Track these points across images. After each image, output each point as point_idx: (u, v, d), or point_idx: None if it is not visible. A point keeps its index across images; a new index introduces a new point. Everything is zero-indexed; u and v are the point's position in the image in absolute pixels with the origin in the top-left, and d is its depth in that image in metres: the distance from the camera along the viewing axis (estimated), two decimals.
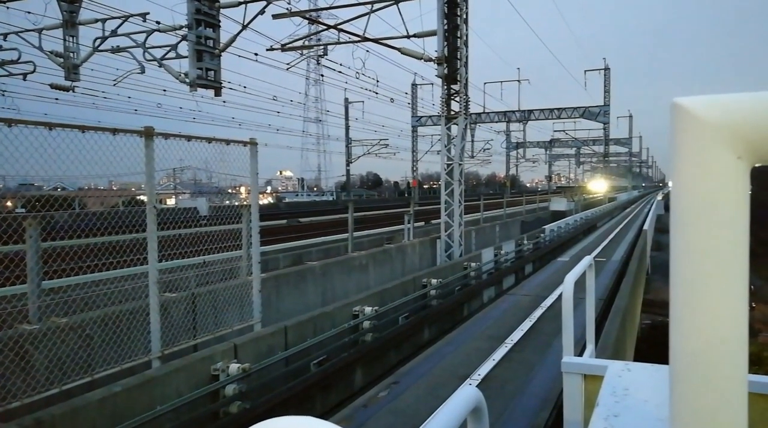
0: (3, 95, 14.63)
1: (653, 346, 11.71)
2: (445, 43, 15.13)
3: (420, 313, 11.14)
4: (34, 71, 14.24)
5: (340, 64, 20.02)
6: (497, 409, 6.06)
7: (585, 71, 43.61)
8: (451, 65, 15.28)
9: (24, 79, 14.38)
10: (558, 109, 37.18)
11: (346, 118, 43.29)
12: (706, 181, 0.67)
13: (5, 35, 14.14)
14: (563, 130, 53.00)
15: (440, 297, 12.19)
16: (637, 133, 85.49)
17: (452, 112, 15.81)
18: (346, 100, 42.34)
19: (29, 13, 13.50)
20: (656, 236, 31.67)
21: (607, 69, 42.19)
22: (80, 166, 5.61)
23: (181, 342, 6.74)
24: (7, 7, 13.24)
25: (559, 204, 32.71)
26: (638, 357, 9.68)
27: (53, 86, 14.02)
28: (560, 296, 3.04)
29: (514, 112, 39.31)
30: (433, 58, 15.29)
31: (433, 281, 12.08)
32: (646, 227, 22.93)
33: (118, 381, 5.61)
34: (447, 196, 15.96)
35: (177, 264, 8.47)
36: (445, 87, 15.73)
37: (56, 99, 15.58)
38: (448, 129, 15.98)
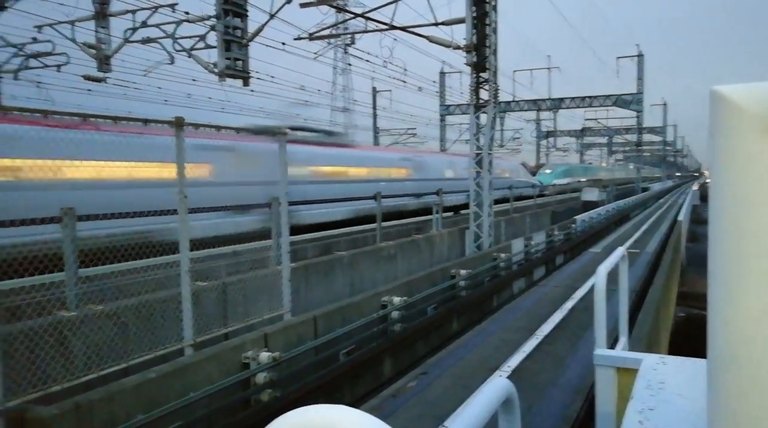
0: (38, 87, 14.94)
1: (689, 339, 11.51)
2: (474, 30, 14.97)
3: (449, 304, 11.11)
4: (67, 63, 14.53)
5: (368, 53, 19.97)
6: (527, 401, 6.02)
7: (617, 58, 42.74)
8: (480, 53, 15.11)
9: (58, 71, 14.69)
10: (589, 97, 36.57)
11: (374, 108, 43.26)
12: (746, 171, 0.64)
13: (40, 27, 14.42)
14: (595, 119, 52.14)
15: (469, 288, 12.14)
16: (672, 121, 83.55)
17: (481, 101, 15.65)
18: (374, 89, 42.28)
19: (62, 5, 13.74)
20: (692, 227, 31.01)
21: (640, 56, 41.30)
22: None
23: (212, 331, 6.84)
24: (41, 0, 13.49)
25: (590, 194, 32.24)
26: (673, 351, 9.52)
27: (86, 77, 14.29)
28: (592, 288, 2.99)
29: (544, 100, 38.75)
30: (462, 46, 15.15)
31: (462, 272, 12.03)
32: (680, 218, 22.47)
33: (152, 367, 5.73)
34: (476, 185, 15.85)
35: (208, 253, 8.58)
36: (474, 75, 15.57)
37: (89, 90, 15.86)
38: (477, 118, 15.84)
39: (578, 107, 38.29)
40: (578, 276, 13.32)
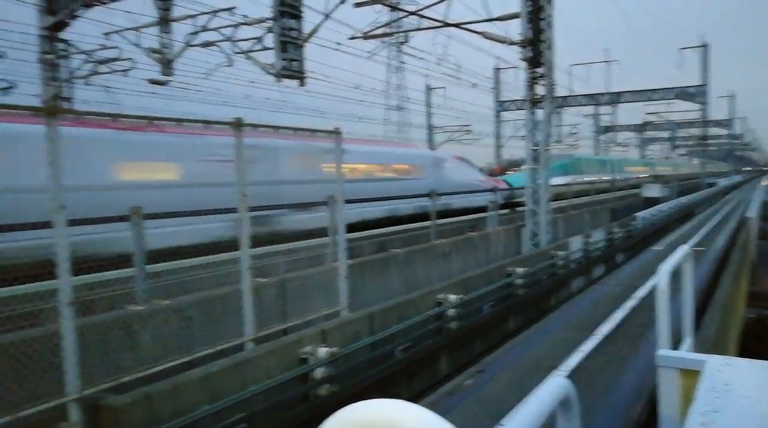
0: (107, 91, 15.62)
1: (760, 341, 11.02)
2: (529, 25, 14.75)
3: (505, 302, 11.01)
4: (133, 68, 15.15)
5: (421, 51, 19.94)
6: (586, 402, 5.92)
7: (680, 49, 41.21)
8: (536, 48, 14.88)
9: (125, 75, 15.34)
10: (650, 90, 35.38)
11: (428, 105, 43.16)
12: None
13: (107, 34, 15.08)
14: (656, 112, 50.46)
15: (526, 287, 11.98)
16: (740, 113, 79.66)
17: (537, 96, 15.41)
18: (428, 86, 42.19)
19: (129, 12, 14.32)
20: (762, 224, 29.62)
21: (704, 46, 39.71)
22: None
23: (271, 326, 7.00)
24: (109, 8, 14.09)
25: (652, 190, 31.22)
26: (742, 353, 9.15)
27: (151, 81, 14.85)
28: (654, 287, 2.92)
29: (602, 94, 37.81)
30: (517, 42, 14.95)
31: (519, 270, 11.89)
32: (750, 214, 21.52)
33: (214, 361, 5.92)
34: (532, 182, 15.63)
35: (267, 250, 8.79)
36: (530, 70, 15.34)
37: (153, 93, 16.47)
38: (533, 113, 15.60)
39: (638, 101, 37.19)
40: (639, 274, 12.95)
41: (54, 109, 4.75)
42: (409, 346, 8.00)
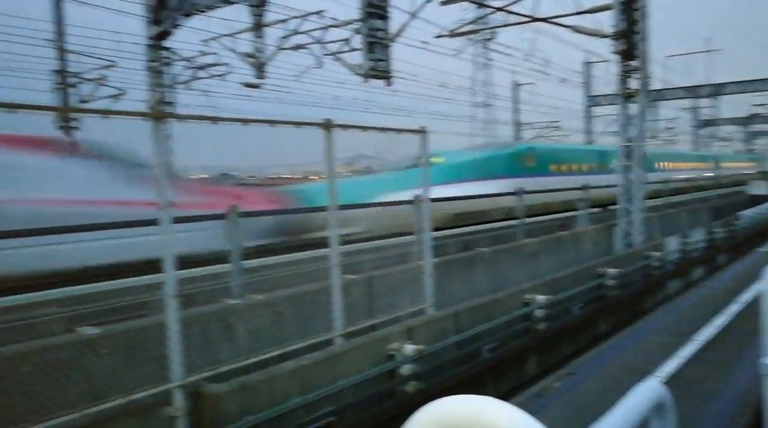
0: (205, 95, 16.47)
1: None
2: (622, 16, 14.18)
3: (596, 304, 10.68)
4: (229, 72, 15.93)
5: (508, 47, 19.63)
6: (684, 411, 5.65)
7: None
8: (629, 40, 14.29)
9: (221, 79, 16.15)
10: (758, 80, 33.05)
11: (515, 101, 42.38)
12: None
13: (206, 41, 15.91)
14: (762, 104, 47.06)
15: (618, 288, 11.57)
16: None
17: (630, 90, 14.79)
18: (515, 82, 41.42)
19: (225, 19, 15.04)
20: None
21: None
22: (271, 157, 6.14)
23: (359, 322, 7.15)
24: (207, 16, 14.84)
25: (758, 187, 29.18)
26: None
27: (246, 84, 15.51)
28: (760, 291, 2.77)
29: (702, 86, 35.72)
30: (609, 34, 14.42)
31: (610, 270, 11.49)
32: None
33: (305, 355, 6.13)
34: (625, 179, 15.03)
35: (354, 248, 8.97)
36: (622, 63, 14.75)
37: (247, 96, 17.19)
38: (626, 108, 14.99)
39: (744, 92, 34.83)
40: (743, 277, 12.17)
41: (160, 114, 5.08)
42: (496, 346, 7.94)
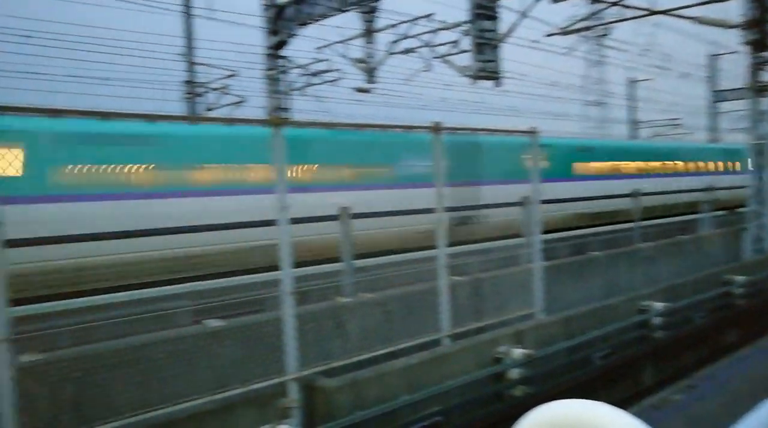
0: (319, 101, 17.13)
1: None
2: (753, 4, 13.15)
3: (721, 313, 9.99)
4: (341, 78, 16.46)
5: (623, 42, 18.76)
6: None
7: None
8: (761, 29, 13.22)
9: (334, 85, 16.73)
10: None
11: (631, 99, 40.36)
12: None
13: (319, 48, 16.53)
14: None
15: (747, 297, 10.74)
16: None
17: (762, 83, 13.67)
18: (630, 79, 39.45)
19: (338, 27, 15.56)
20: None
21: None
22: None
23: (466, 324, 7.15)
24: (321, 24, 15.42)
25: None
26: None
27: (357, 89, 15.96)
28: None
29: None
30: (738, 24, 13.43)
31: (738, 278, 10.70)
32: None
33: (413, 354, 6.24)
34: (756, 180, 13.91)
35: (462, 249, 8.97)
36: (754, 55, 13.66)
37: (358, 100, 17.67)
38: (757, 103, 13.87)
39: None
40: None
41: (278, 121, 5.39)
42: (608, 353, 7.65)
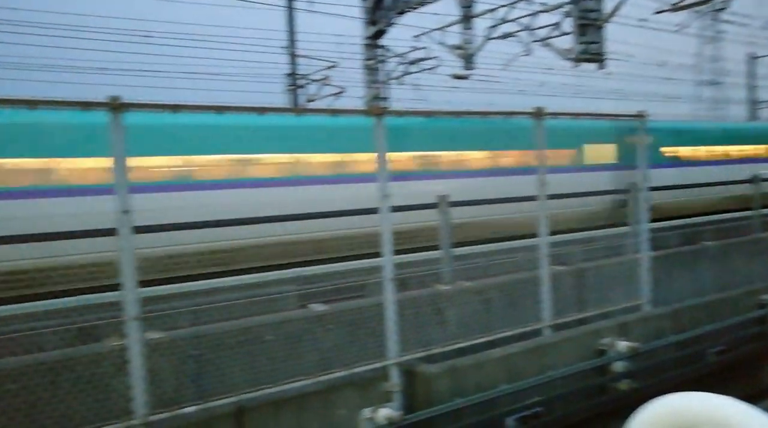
0: (416, 89, 17.18)
1: None
2: None
3: None
4: (438, 66, 16.42)
5: (744, 16, 17.38)
6: None
7: None
8: None
9: (431, 73, 16.72)
10: None
11: (751, 77, 37.37)
12: None
13: (417, 36, 16.56)
14: None
15: None
16: None
17: None
18: (750, 55, 36.49)
19: (435, 14, 15.52)
20: None
21: None
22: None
23: (568, 314, 7.00)
24: (418, 12, 15.44)
25: None
26: None
27: (454, 76, 15.86)
28: None
29: None
30: None
31: None
32: None
33: (512, 343, 6.20)
34: None
35: (562, 238, 8.73)
36: None
37: (455, 87, 17.55)
38: None
39: None
40: None
41: (380, 111, 5.48)
42: (724, 349, 7.24)
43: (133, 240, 4.15)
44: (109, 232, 4.28)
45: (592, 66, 13.87)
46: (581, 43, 13.08)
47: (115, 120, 4.01)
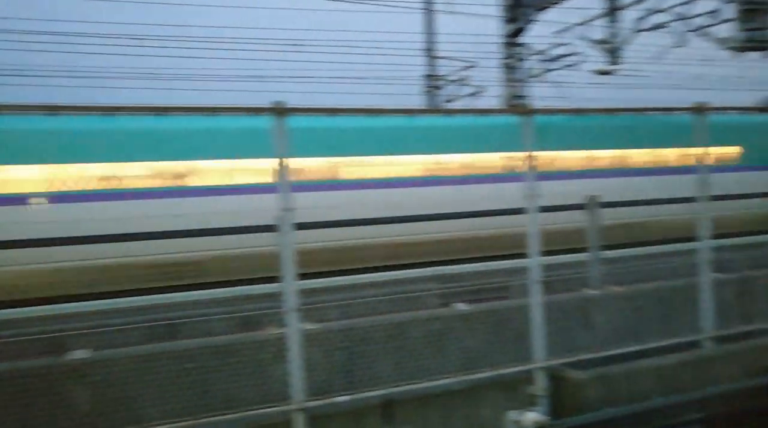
0: (556, 86, 16.67)
1: None
2: None
3: None
4: (581, 62, 15.80)
5: None
6: None
7: None
8: None
9: (573, 69, 16.12)
10: None
11: None
12: None
13: (558, 32, 16.05)
14: None
15: None
16: None
17: None
18: None
19: (578, 8, 14.94)
20: None
21: None
22: None
23: (732, 327, 6.44)
24: (560, 8, 14.97)
25: None
26: None
27: (598, 71, 15.16)
28: None
29: None
30: None
31: None
32: None
33: (666, 354, 5.81)
34: None
35: (721, 243, 8.05)
36: None
37: (599, 83, 16.78)
38: None
39: None
40: None
41: (526, 110, 5.40)
42: None
43: (294, 236, 4.42)
44: (268, 229, 4.58)
45: (757, 55, 12.71)
46: (745, 29, 12.02)
47: (279, 124, 4.30)
